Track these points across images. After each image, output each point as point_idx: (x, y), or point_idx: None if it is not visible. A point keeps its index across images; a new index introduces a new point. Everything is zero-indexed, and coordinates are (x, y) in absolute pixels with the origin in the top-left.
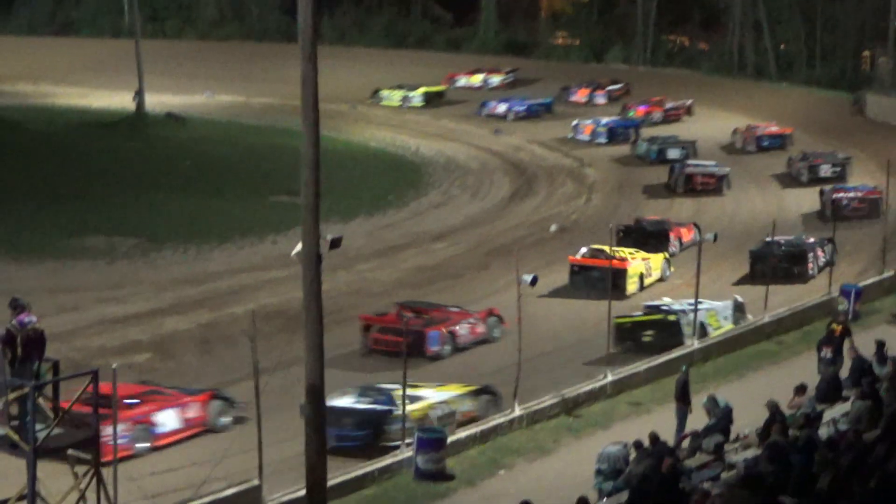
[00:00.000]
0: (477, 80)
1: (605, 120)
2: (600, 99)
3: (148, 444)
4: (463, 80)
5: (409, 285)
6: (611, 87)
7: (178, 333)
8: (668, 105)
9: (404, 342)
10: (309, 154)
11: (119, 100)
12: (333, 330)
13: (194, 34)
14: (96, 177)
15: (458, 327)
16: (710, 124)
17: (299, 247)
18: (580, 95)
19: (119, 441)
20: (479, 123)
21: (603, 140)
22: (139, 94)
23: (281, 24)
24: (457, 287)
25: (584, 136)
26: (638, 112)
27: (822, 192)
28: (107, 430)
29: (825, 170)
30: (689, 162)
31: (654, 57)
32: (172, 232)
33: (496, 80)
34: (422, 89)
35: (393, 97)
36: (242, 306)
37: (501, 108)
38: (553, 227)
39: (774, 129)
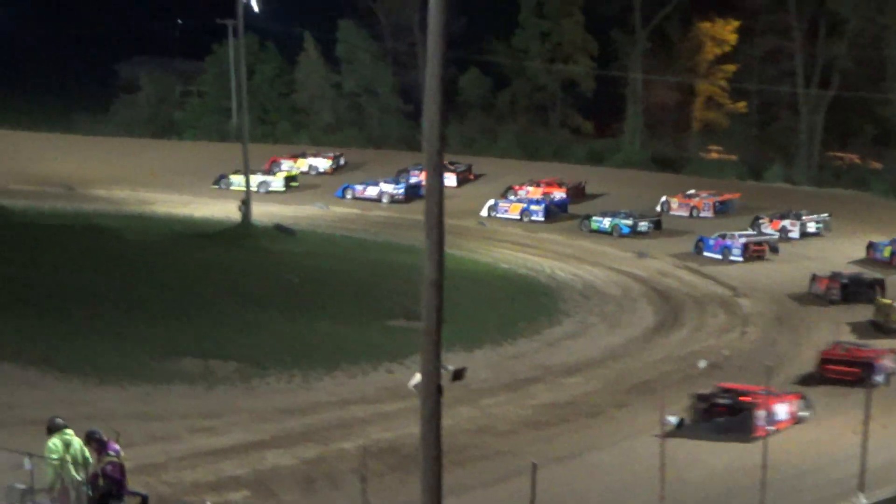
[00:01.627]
0: (302, 164)
1: (535, 199)
2: (450, 181)
3: (773, 428)
4: (286, 165)
5: (539, 424)
6: (459, 169)
7: (280, 469)
8: (569, 184)
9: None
10: (431, 274)
11: (223, 208)
12: (454, 471)
13: (307, 139)
14: (194, 292)
15: (886, 362)
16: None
17: (417, 377)
18: (423, 176)
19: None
20: (621, 246)
21: (540, 218)
22: (245, 203)
23: (403, 129)
24: (592, 426)
25: (512, 216)
26: (531, 193)
27: (871, 244)
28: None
29: (811, 226)
30: (738, 234)
31: (819, 175)
32: (276, 356)
33: (325, 165)
34: (282, 173)
35: (244, 183)
36: (352, 441)
37: (371, 191)
38: (701, 363)
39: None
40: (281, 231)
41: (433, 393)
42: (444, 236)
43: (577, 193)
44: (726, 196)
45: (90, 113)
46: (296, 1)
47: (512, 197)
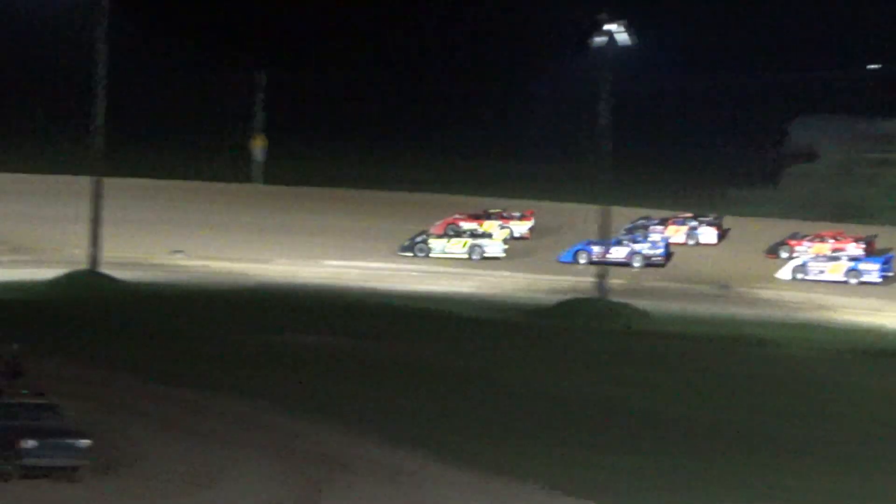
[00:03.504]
0: (491, 227)
1: (867, 255)
2: (708, 237)
3: None
4: (467, 227)
5: None
6: (713, 222)
7: None
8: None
9: None
10: None
11: None
12: None
13: None
14: (868, 431)
15: None
16: None
17: None
18: (671, 231)
19: None
20: None
21: (875, 279)
22: None
23: None
24: None
25: (832, 277)
26: (812, 250)
27: None
28: None
29: None
30: None
31: None
32: None
33: (523, 228)
34: (502, 233)
35: (449, 248)
36: None
37: (618, 252)
38: None
39: None
40: None
41: None
42: None
43: (870, 250)
44: None
45: (748, 186)
46: None
47: (817, 254)
